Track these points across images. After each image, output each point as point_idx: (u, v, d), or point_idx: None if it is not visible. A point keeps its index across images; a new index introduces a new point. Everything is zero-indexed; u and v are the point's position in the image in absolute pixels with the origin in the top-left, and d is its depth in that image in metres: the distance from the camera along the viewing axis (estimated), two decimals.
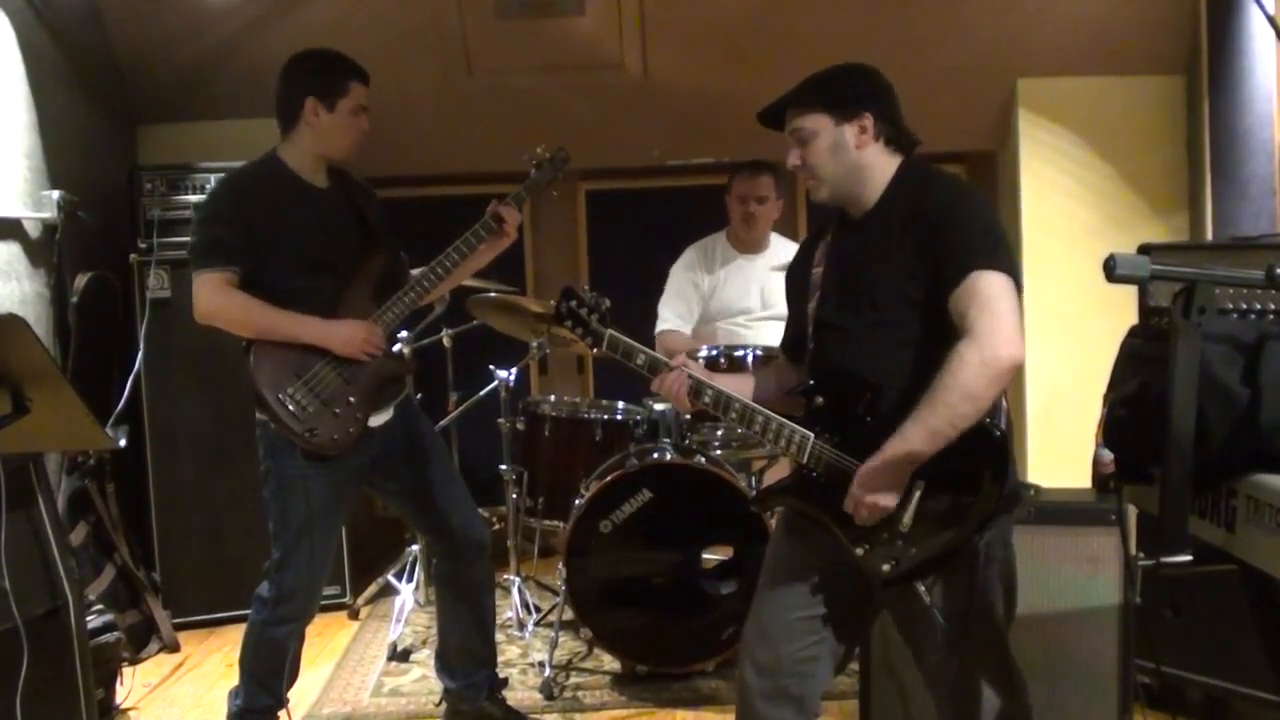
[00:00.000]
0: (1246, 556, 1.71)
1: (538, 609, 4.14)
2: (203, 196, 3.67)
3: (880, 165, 2.23)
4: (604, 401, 4.06)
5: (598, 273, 5.45)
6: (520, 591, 4.12)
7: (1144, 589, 2.41)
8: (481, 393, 4.28)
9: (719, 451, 3.72)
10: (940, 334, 2.08)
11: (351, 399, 2.85)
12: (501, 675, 3.36)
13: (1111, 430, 1.92)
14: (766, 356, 3.73)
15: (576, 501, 3.62)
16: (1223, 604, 2.68)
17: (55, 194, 4.01)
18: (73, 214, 4.07)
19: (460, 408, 4.34)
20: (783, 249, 4.23)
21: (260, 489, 2.95)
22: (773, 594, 2.29)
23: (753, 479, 3.97)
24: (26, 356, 2.06)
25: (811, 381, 2.26)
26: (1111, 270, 1.70)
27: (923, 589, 2.14)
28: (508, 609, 4.13)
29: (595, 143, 4.95)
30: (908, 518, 2.11)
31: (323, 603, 4.26)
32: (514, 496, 4.08)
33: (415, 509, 3.12)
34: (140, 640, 3.98)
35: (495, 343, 4.26)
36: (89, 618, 3.13)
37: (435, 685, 3.31)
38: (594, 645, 3.75)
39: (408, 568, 4.30)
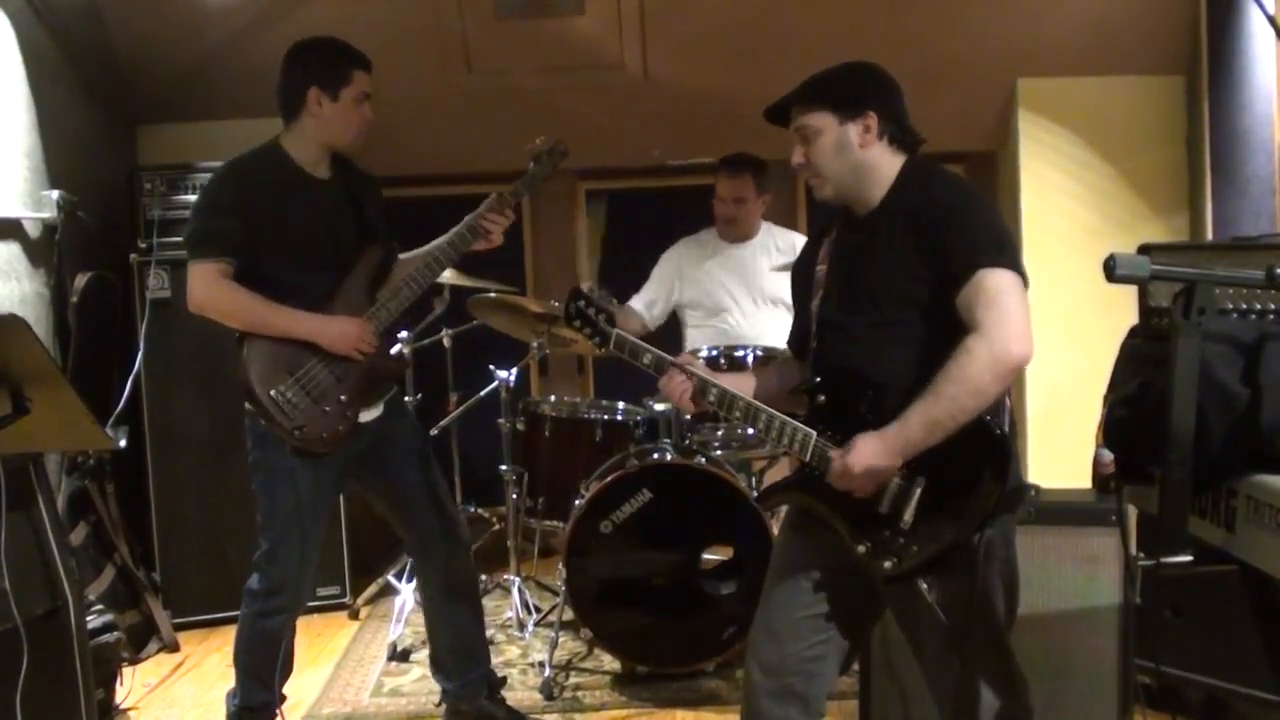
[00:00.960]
0: (1246, 556, 1.71)
1: (538, 609, 4.14)
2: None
3: (884, 164, 2.23)
4: (604, 401, 4.06)
5: (597, 273, 5.45)
6: (520, 591, 4.12)
7: (1144, 589, 2.41)
8: (481, 393, 4.27)
9: (719, 451, 3.72)
10: (943, 334, 2.09)
11: (343, 397, 2.85)
12: (501, 675, 3.36)
13: (1111, 430, 1.92)
14: (767, 356, 3.73)
15: (576, 501, 3.62)
16: (1223, 604, 2.67)
17: (55, 194, 4.00)
18: (73, 214, 4.07)
19: (460, 408, 4.34)
20: (774, 236, 4.24)
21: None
22: (779, 593, 2.29)
23: (753, 479, 3.97)
24: (26, 356, 2.06)
25: (814, 380, 2.26)
26: (1111, 270, 1.70)
27: (924, 587, 2.14)
28: (508, 609, 4.13)
29: (595, 143, 4.95)
30: (909, 515, 2.12)
31: (323, 603, 4.32)
32: (514, 496, 4.08)
33: (394, 506, 3.11)
34: (140, 640, 3.98)
35: (495, 343, 4.26)
36: (89, 618, 3.13)
37: (435, 685, 3.30)
38: (594, 645, 3.75)
39: (408, 568, 4.29)
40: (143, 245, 4.19)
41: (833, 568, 2.23)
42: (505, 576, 4.19)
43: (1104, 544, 2.71)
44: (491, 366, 4.15)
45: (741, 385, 2.35)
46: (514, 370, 4.11)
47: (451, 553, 3.12)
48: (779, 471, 4.76)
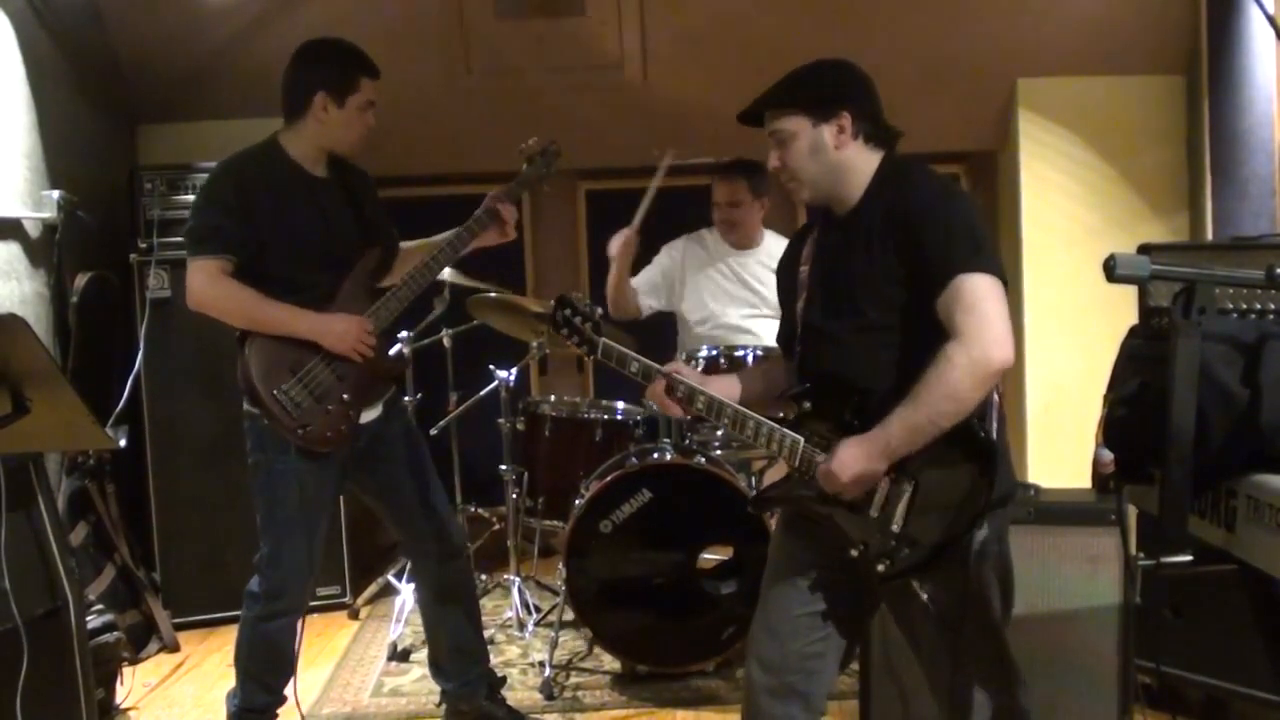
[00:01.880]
0: (1246, 556, 1.71)
1: (538, 609, 4.14)
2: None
3: (861, 163, 2.22)
4: (604, 401, 4.06)
5: (598, 273, 5.44)
6: (520, 591, 4.12)
7: (1144, 589, 2.41)
8: (481, 393, 4.27)
9: (719, 451, 3.72)
10: (924, 336, 2.09)
11: (345, 396, 2.85)
12: (501, 675, 3.36)
13: (1111, 430, 1.92)
14: (766, 355, 3.73)
15: (576, 501, 3.62)
16: (1223, 604, 2.67)
17: (55, 194, 4.00)
18: (73, 214, 4.07)
19: (460, 408, 4.34)
20: (774, 246, 4.23)
21: None
22: (777, 591, 2.30)
23: (753, 479, 3.97)
24: (26, 356, 2.06)
25: (801, 385, 2.27)
26: (1111, 270, 1.70)
27: (917, 586, 2.16)
28: (508, 609, 4.13)
29: (595, 143, 4.95)
30: (899, 518, 2.14)
31: (323, 603, 4.32)
32: (514, 496, 4.08)
33: (389, 507, 3.11)
34: (140, 640, 3.98)
35: (495, 343, 4.26)
36: (89, 618, 3.13)
37: (435, 686, 3.30)
38: (594, 645, 3.75)
39: (408, 568, 4.28)
40: (143, 245, 4.19)
41: (827, 565, 2.24)
42: (505, 576, 4.19)
43: (1104, 544, 2.71)
44: (491, 366, 4.15)
45: (728, 389, 2.35)
46: (514, 370, 4.11)
47: (445, 554, 3.11)
48: (779, 471, 4.76)
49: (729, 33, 4.57)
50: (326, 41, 2.92)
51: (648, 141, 5.03)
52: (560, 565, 3.62)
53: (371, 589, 4.55)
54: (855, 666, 2.84)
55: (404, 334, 4.08)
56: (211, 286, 2.80)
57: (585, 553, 3.55)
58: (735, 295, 4.18)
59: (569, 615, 3.64)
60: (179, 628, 4.12)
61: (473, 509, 4.59)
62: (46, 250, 4.03)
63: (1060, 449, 4.56)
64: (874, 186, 2.21)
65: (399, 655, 3.90)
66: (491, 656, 3.33)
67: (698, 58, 4.64)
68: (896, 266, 2.13)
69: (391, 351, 3.65)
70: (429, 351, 4.35)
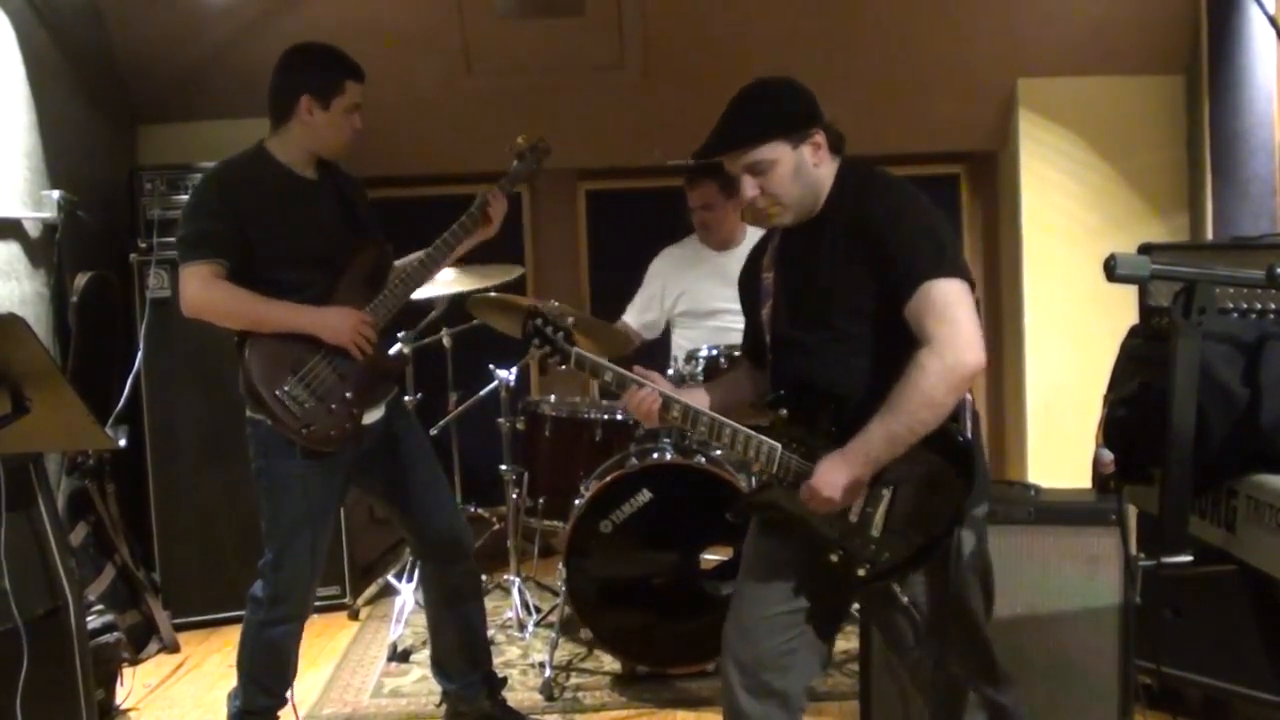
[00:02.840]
0: (1246, 556, 1.71)
1: (538, 609, 4.14)
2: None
3: (829, 173, 2.24)
4: (604, 401, 4.05)
5: (598, 272, 5.45)
6: (520, 591, 4.12)
7: (1144, 589, 2.41)
8: (481, 393, 4.27)
9: (719, 451, 3.71)
10: (895, 342, 2.11)
11: (347, 394, 2.85)
12: (501, 675, 3.36)
13: (1111, 430, 1.92)
14: (736, 362, 3.74)
15: (576, 501, 3.62)
16: (1223, 604, 2.68)
17: (55, 194, 4.00)
18: (73, 214, 4.07)
19: (460, 408, 4.34)
20: (758, 240, 4.25)
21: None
22: (750, 591, 2.32)
23: (752, 479, 3.96)
24: (26, 356, 2.06)
25: (776, 394, 2.29)
26: (1112, 270, 1.70)
27: (897, 589, 2.17)
28: (508, 609, 4.13)
29: (595, 143, 4.95)
30: (878, 522, 2.16)
31: (323, 603, 4.30)
32: (514, 496, 4.08)
33: (398, 509, 3.11)
34: (140, 640, 3.98)
35: (495, 343, 4.26)
36: (89, 618, 3.13)
37: (435, 686, 3.30)
38: (594, 645, 3.75)
39: (408, 568, 4.29)
40: (143, 245, 4.19)
41: (802, 564, 2.26)
42: (505, 576, 4.19)
43: (1104, 544, 2.71)
44: (491, 366, 4.15)
45: (699, 400, 2.35)
46: (514, 370, 4.11)
47: (455, 555, 3.12)
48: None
49: (729, 33, 4.56)
50: (310, 46, 2.92)
51: (648, 141, 5.05)
52: (560, 565, 3.61)
53: (371, 589, 4.55)
54: (855, 666, 2.84)
55: (403, 333, 4.08)
56: (207, 290, 2.80)
57: (585, 553, 3.55)
58: (722, 294, 4.19)
59: (569, 615, 3.64)
60: (179, 628, 4.12)
61: (473, 509, 4.58)
62: (46, 250, 4.03)
63: (1060, 449, 4.56)
64: (835, 193, 2.23)
65: (399, 656, 3.90)
66: (492, 657, 3.33)
67: (698, 58, 4.63)
68: (863, 275, 2.15)
69: (391, 351, 3.66)
70: (429, 351, 4.34)
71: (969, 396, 2.21)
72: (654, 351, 4.51)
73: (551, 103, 4.74)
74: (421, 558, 3.24)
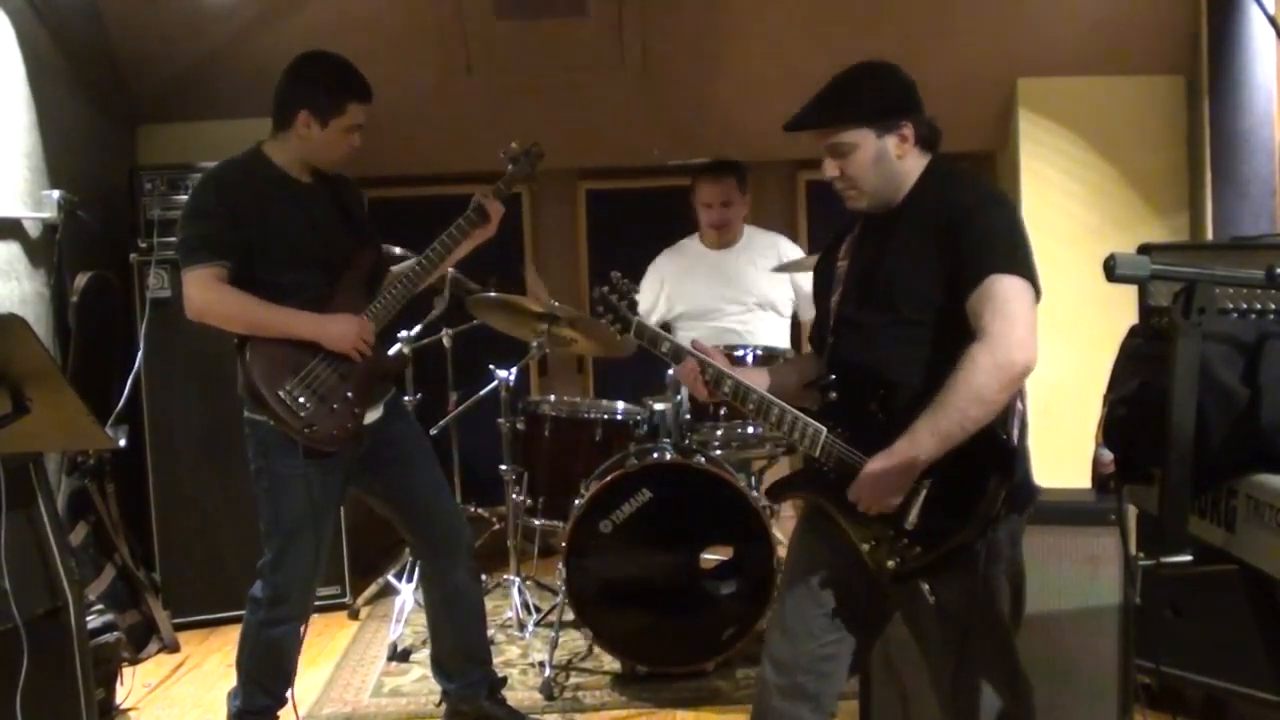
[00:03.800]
0: (1246, 556, 1.71)
1: (538, 609, 4.14)
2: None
3: (914, 167, 2.23)
4: (604, 401, 4.05)
5: (598, 272, 5.45)
6: (520, 591, 4.12)
7: (1144, 589, 2.41)
8: (481, 393, 4.27)
9: (719, 451, 3.72)
10: (956, 334, 2.09)
11: (349, 394, 2.85)
12: (501, 675, 3.36)
13: (1111, 430, 1.92)
14: (766, 356, 3.74)
15: (576, 501, 3.62)
16: (1223, 604, 2.67)
17: (55, 194, 4.00)
18: (73, 214, 4.07)
19: (460, 408, 4.34)
20: (756, 240, 4.26)
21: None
22: (794, 591, 2.29)
23: (753, 479, 3.97)
24: (26, 356, 2.06)
25: (828, 376, 2.26)
26: (1112, 270, 1.70)
27: (926, 587, 2.14)
28: (508, 609, 4.13)
29: (595, 143, 4.95)
30: (913, 516, 2.12)
31: (323, 603, 4.30)
32: (514, 496, 4.08)
33: (399, 509, 3.11)
34: (140, 640, 3.98)
35: (495, 343, 4.26)
36: (89, 618, 3.12)
37: (435, 685, 3.30)
38: (594, 645, 3.75)
39: (408, 568, 4.29)
40: (143, 245, 4.19)
41: (844, 565, 2.23)
42: (505, 576, 4.19)
43: (1104, 544, 2.71)
44: (491, 366, 4.15)
45: (755, 380, 2.34)
46: (514, 370, 4.11)
47: (456, 554, 3.12)
48: (779, 470, 4.77)
49: (729, 33, 4.56)
50: (321, 58, 2.90)
51: (648, 141, 5.05)
52: (560, 565, 3.61)
53: (371, 589, 4.55)
54: None
55: (403, 333, 4.08)
56: (209, 294, 2.80)
57: (585, 553, 3.55)
58: (723, 294, 4.20)
59: (569, 615, 3.64)
60: (179, 628, 4.12)
61: (473, 509, 4.58)
62: (46, 250, 4.03)
63: (1060, 449, 4.53)
64: (919, 187, 2.22)
65: (399, 655, 3.90)
66: (492, 656, 3.33)
67: (698, 58, 4.63)
68: (934, 266, 2.13)
69: (391, 351, 3.66)
70: (429, 351, 4.34)
71: (1020, 405, 2.17)
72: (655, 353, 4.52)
73: (551, 103, 4.74)
74: (421, 557, 3.24)
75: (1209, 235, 4.32)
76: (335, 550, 4.30)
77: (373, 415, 2.97)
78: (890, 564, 2.14)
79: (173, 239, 4.05)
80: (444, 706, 3.31)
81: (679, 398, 3.74)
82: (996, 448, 2.09)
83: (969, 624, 2.12)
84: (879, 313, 2.20)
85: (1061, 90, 4.68)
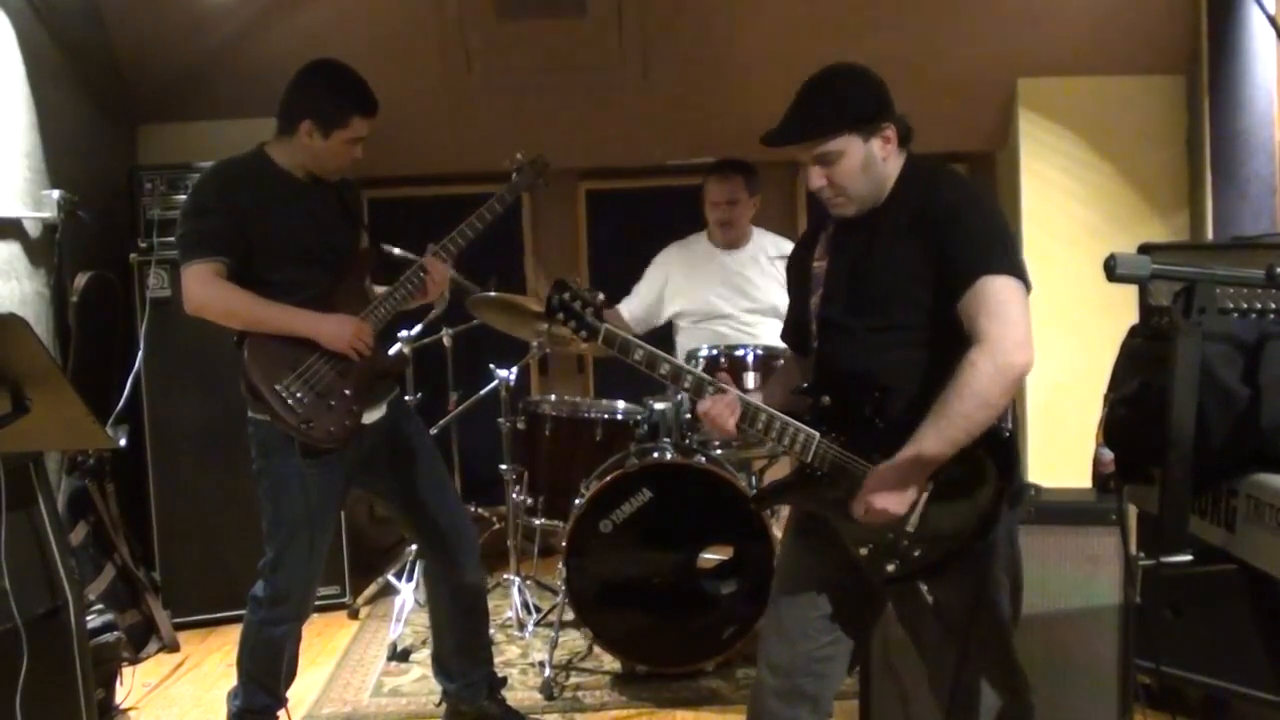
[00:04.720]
0: (1246, 556, 1.71)
1: (538, 609, 4.14)
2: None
3: (895, 167, 2.22)
4: (604, 401, 4.06)
5: (598, 273, 5.45)
6: (520, 591, 4.12)
7: (1144, 589, 2.41)
8: (481, 392, 4.27)
9: (719, 451, 3.72)
10: (948, 336, 2.08)
11: (346, 392, 2.85)
12: (501, 675, 3.36)
13: (1112, 430, 1.92)
14: (768, 355, 3.73)
15: (576, 501, 3.62)
16: (1223, 604, 2.67)
17: (55, 194, 4.00)
18: (73, 214, 4.07)
19: (460, 407, 4.34)
20: (765, 243, 4.27)
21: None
22: (788, 593, 2.28)
23: (753, 479, 3.97)
24: (26, 356, 2.06)
25: (818, 381, 2.25)
26: (1112, 270, 1.70)
27: (924, 588, 2.14)
28: (508, 609, 4.13)
29: (595, 143, 4.95)
30: (914, 518, 2.11)
31: (322, 603, 4.30)
32: (514, 496, 4.08)
33: (403, 508, 3.11)
34: (140, 640, 3.98)
35: (495, 342, 4.26)
36: (89, 618, 3.12)
37: (435, 685, 3.31)
38: (594, 645, 3.75)
39: (408, 568, 4.30)
40: (143, 245, 4.19)
41: (839, 567, 2.23)
42: (505, 576, 4.19)
43: (1104, 544, 2.71)
44: (491, 365, 4.15)
45: (756, 395, 2.31)
46: (514, 369, 4.11)
47: (460, 553, 3.12)
48: (779, 470, 4.76)
49: (728, 33, 4.56)
50: (329, 68, 2.89)
51: (648, 141, 5.05)
52: (560, 565, 3.61)
53: (371, 589, 4.55)
54: (855, 667, 2.83)
55: (404, 333, 4.08)
56: (207, 289, 2.80)
57: (585, 553, 3.55)
58: (728, 295, 4.20)
59: (569, 615, 3.64)
60: (179, 627, 4.12)
61: (473, 509, 4.58)
62: (46, 250, 4.03)
63: (1060, 449, 4.55)
64: (899, 186, 2.20)
65: (399, 655, 3.90)
66: (492, 656, 3.33)
67: (698, 58, 4.63)
68: (922, 267, 2.12)
69: (391, 351, 3.66)
70: (429, 351, 4.34)
71: (1010, 403, 2.17)
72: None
73: (551, 103, 4.74)
74: (426, 556, 3.24)
75: (1209, 235, 4.32)
76: (335, 550, 4.30)
77: (375, 414, 2.97)
78: (890, 567, 2.14)
79: (172, 239, 4.09)
80: (444, 706, 3.31)
81: (679, 398, 3.74)
82: (997, 446, 2.09)
83: (968, 623, 2.11)
84: (869, 317, 2.18)
85: (1061, 90, 4.68)
